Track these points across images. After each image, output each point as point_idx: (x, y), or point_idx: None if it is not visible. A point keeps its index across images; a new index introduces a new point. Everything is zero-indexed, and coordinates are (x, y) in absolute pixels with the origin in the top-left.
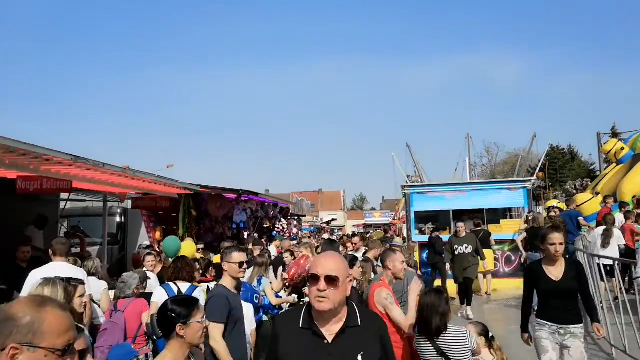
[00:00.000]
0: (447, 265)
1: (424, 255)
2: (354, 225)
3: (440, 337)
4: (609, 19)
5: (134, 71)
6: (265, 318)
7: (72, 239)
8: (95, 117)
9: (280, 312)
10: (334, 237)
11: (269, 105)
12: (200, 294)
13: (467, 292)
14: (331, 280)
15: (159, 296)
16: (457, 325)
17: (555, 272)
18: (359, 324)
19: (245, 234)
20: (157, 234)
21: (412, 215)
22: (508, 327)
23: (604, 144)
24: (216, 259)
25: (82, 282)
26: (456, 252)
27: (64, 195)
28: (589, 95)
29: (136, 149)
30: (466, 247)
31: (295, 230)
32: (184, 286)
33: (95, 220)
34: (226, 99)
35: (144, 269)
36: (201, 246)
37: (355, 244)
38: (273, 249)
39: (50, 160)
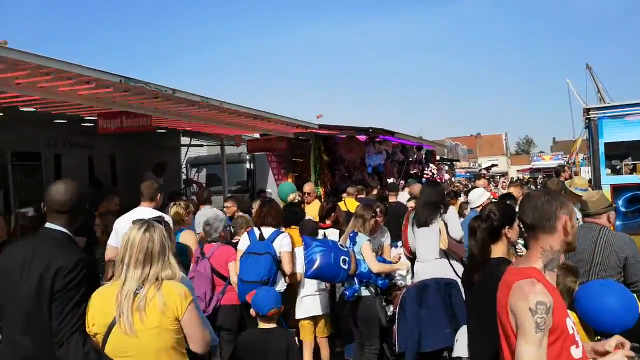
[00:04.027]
0: None
1: (619, 203)
2: (518, 171)
3: None
4: None
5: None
6: (365, 292)
7: (190, 187)
8: (252, 70)
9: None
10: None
11: (419, 48)
12: (285, 238)
13: None
14: None
15: (243, 243)
16: None
17: None
18: None
19: (389, 180)
20: (289, 181)
21: (602, 148)
22: None
23: None
24: (341, 205)
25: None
26: None
27: (184, 141)
28: None
29: (288, 101)
30: None
31: (447, 176)
32: (268, 230)
33: (228, 168)
34: (375, 45)
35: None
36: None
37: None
38: (404, 196)
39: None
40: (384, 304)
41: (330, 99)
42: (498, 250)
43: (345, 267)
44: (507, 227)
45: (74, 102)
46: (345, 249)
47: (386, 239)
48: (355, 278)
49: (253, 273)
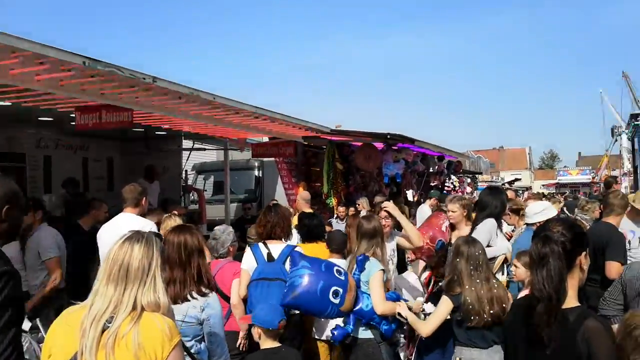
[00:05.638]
0: None
1: None
2: (543, 185)
3: None
4: None
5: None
6: (365, 334)
7: (188, 194)
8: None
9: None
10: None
11: (441, 59)
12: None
13: None
14: None
15: (248, 262)
16: None
17: None
18: None
19: (409, 193)
20: (300, 190)
21: None
22: None
23: None
24: None
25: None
26: None
27: (187, 145)
28: None
29: (309, 109)
30: None
31: (469, 190)
32: (277, 247)
33: (235, 175)
34: (395, 58)
35: None
36: None
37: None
38: (425, 209)
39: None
40: (400, 344)
41: (349, 111)
42: (570, 289)
43: (337, 301)
44: (583, 252)
45: (35, 90)
46: (342, 279)
47: (396, 240)
48: (351, 315)
49: None
